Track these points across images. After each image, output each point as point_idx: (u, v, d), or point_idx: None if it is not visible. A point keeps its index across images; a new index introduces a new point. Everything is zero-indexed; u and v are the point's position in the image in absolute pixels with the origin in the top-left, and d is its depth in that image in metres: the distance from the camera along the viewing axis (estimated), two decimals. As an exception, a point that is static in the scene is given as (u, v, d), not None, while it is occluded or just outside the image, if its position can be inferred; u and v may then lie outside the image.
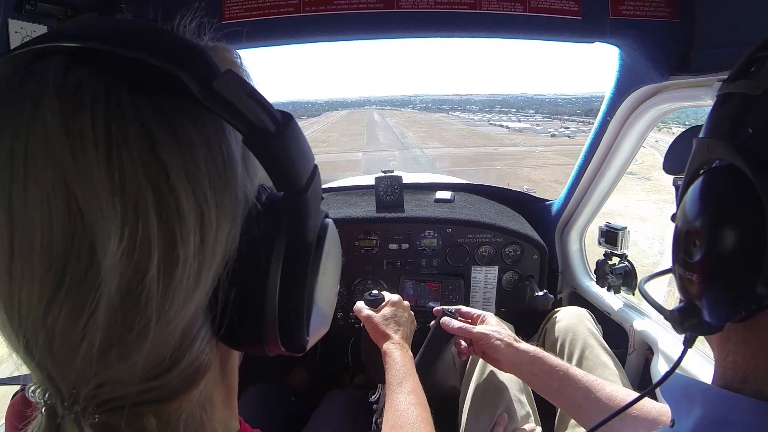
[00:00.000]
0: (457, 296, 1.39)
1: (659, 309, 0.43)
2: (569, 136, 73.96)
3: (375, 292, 1.02)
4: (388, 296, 1.01)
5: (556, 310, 1.22)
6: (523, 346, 0.88)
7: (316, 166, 0.31)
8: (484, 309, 1.42)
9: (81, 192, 0.24)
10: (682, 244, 0.37)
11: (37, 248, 0.24)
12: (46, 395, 0.28)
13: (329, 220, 0.35)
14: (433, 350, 1.03)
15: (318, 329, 0.34)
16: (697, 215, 0.36)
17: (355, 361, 1.60)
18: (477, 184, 1.81)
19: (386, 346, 0.91)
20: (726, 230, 0.33)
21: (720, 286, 0.34)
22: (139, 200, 0.24)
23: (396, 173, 1.49)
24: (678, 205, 0.39)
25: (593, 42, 0.98)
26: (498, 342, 0.89)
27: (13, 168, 0.24)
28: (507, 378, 1.02)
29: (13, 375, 0.73)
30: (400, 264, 1.41)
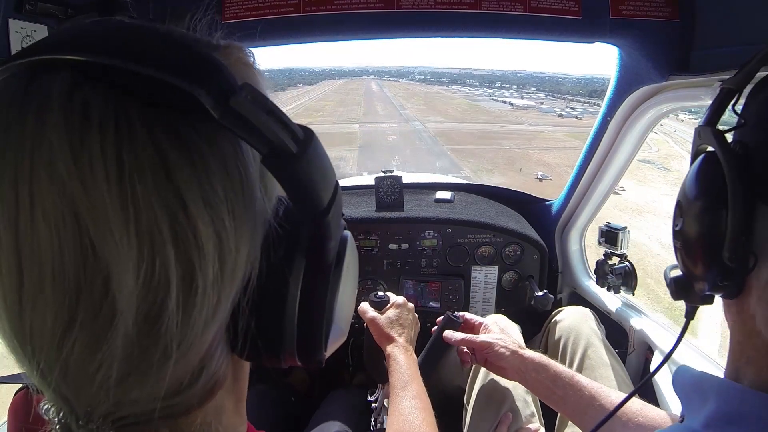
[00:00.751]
0: (457, 296, 1.39)
1: (668, 283, 0.47)
2: (577, 117, 72.03)
3: (380, 293, 1.01)
4: (393, 298, 1.01)
5: (559, 309, 1.22)
6: (528, 353, 0.88)
7: (337, 184, 0.30)
8: (484, 309, 1.43)
9: (92, 224, 0.22)
10: (675, 217, 0.42)
11: (48, 279, 0.23)
12: (61, 414, 0.27)
13: (348, 233, 0.34)
14: (436, 353, 1.03)
15: (335, 343, 0.34)
16: (682, 191, 0.41)
17: (355, 361, 1.60)
18: (477, 184, 1.81)
19: (390, 349, 0.90)
20: (697, 203, 0.38)
21: (695, 254, 0.39)
22: (155, 233, 0.23)
23: (396, 173, 1.49)
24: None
25: (593, 42, 0.98)
26: (503, 350, 0.89)
27: (18, 194, 0.22)
28: None
29: (14, 373, 0.73)
30: (400, 264, 1.41)
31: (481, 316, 1.40)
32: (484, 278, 1.41)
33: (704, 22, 0.88)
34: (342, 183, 1.99)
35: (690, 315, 0.48)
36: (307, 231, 0.29)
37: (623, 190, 20.74)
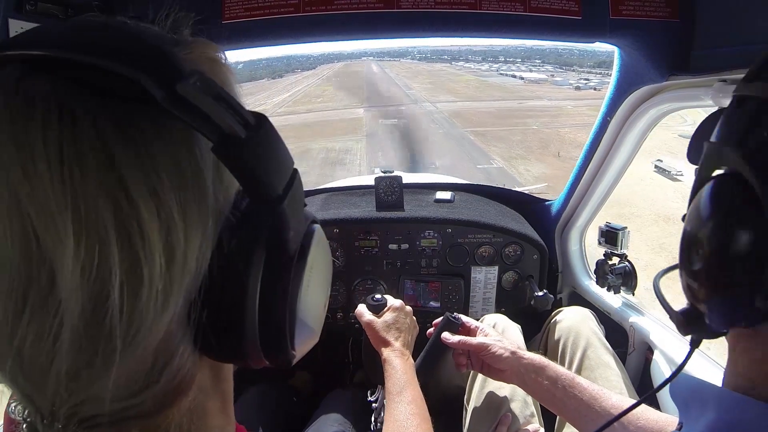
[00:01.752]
0: (457, 296, 1.39)
1: (667, 308, 0.43)
2: (595, 89, 66.65)
3: (378, 296, 1.01)
4: (390, 301, 1.00)
5: (559, 309, 1.22)
6: (527, 355, 0.86)
7: (295, 171, 0.29)
8: (484, 309, 1.43)
9: (35, 214, 0.22)
10: (687, 248, 0.37)
11: None
12: (26, 412, 0.27)
13: (316, 227, 0.32)
14: (435, 355, 1.02)
15: (305, 342, 0.33)
16: (703, 223, 0.35)
17: (355, 359, 1.60)
18: (477, 184, 1.81)
19: (386, 354, 0.90)
20: (728, 242, 0.32)
21: (720, 297, 0.34)
22: (97, 221, 0.23)
23: (396, 173, 1.49)
24: (689, 205, 0.39)
25: (593, 42, 0.98)
26: (501, 351, 0.87)
27: None
28: None
29: None
30: (400, 264, 1.41)
31: (481, 315, 1.41)
32: (484, 278, 1.41)
33: (704, 22, 0.88)
34: (342, 183, 2.00)
35: (697, 344, 0.44)
36: (265, 221, 0.28)
37: (681, 174, 18.67)
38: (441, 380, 1.19)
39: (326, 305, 0.38)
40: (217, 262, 0.27)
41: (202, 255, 0.27)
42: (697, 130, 0.55)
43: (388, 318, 0.96)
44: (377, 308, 0.99)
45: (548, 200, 1.62)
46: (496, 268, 1.40)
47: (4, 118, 0.23)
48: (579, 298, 1.47)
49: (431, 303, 1.40)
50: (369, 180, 1.60)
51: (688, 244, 0.37)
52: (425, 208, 1.47)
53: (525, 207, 1.62)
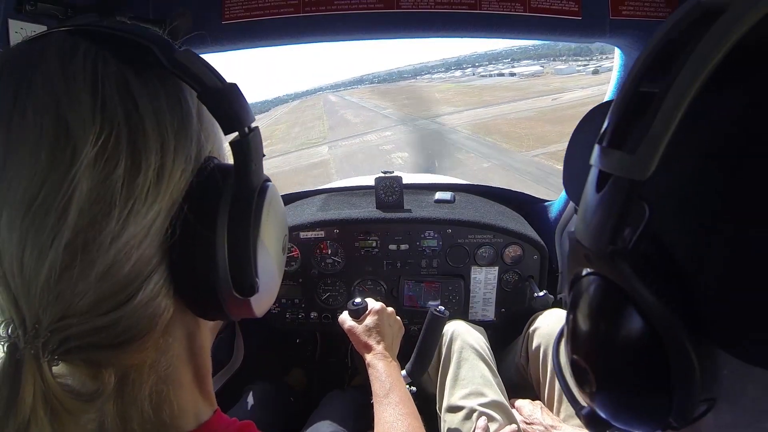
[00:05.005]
0: (457, 297, 1.39)
1: (571, 400, 0.34)
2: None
3: (358, 300, 1.00)
4: (371, 304, 0.99)
5: (536, 315, 1.22)
6: None
7: (257, 128, 0.36)
8: (484, 309, 1.43)
9: (68, 110, 0.29)
10: (573, 366, 0.30)
11: (26, 160, 0.28)
12: (9, 329, 0.29)
13: (272, 184, 0.39)
14: (426, 352, 1.02)
15: (268, 281, 0.38)
16: (584, 340, 0.29)
17: (354, 362, 1.60)
18: (477, 185, 1.81)
19: (369, 358, 0.90)
20: (621, 368, 0.27)
21: (625, 418, 0.28)
22: (114, 118, 0.30)
23: (396, 173, 1.49)
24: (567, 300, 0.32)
25: (593, 42, 0.98)
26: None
27: (17, 95, 0.29)
28: (480, 369, 1.03)
29: None
30: (400, 264, 1.40)
31: (482, 316, 1.41)
32: (484, 279, 1.41)
33: None
34: (342, 183, 2.00)
35: None
36: (235, 148, 0.34)
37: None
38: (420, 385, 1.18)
39: (283, 253, 0.43)
40: (195, 185, 0.34)
41: (184, 175, 0.33)
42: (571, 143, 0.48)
43: (369, 322, 0.96)
44: (358, 313, 0.98)
45: (548, 201, 1.62)
46: (496, 268, 1.40)
47: (55, 52, 0.31)
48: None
49: (431, 303, 1.40)
50: (369, 180, 1.59)
51: (573, 362, 0.30)
52: (425, 208, 1.47)
53: (525, 207, 1.62)
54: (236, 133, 0.34)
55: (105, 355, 0.31)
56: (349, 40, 1.04)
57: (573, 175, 0.54)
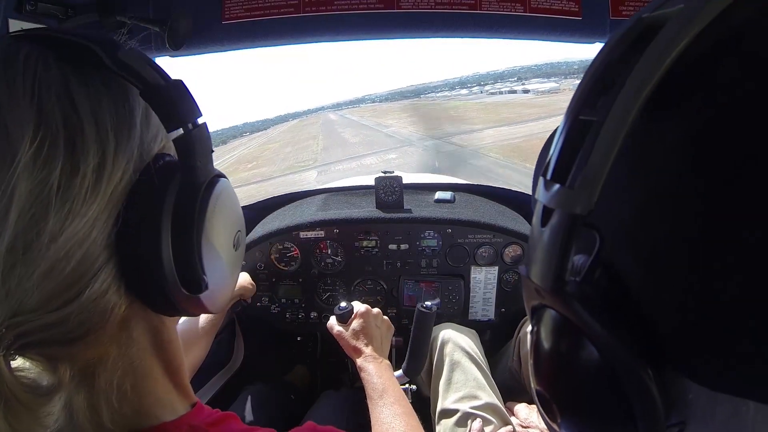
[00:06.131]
0: (457, 297, 1.39)
1: (548, 424, 0.32)
2: None
3: (343, 304, 1.00)
4: (357, 307, 0.99)
5: (526, 318, 1.21)
6: None
7: (205, 124, 0.36)
8: (484, 309, 1.43)
9: (8, 113, 0.29)
10: (538, 396, 0.30)
11: None
12: None
13: (223, 180, 0.39)
14: (419, 350, 1.01)
15: (218, 278, 0.38)
16: (544, 372, 0.29)
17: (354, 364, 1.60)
18: (477, 185, 1.81)
19: (359, 362, 0.90)
20: (582, 400, 0.26)
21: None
22: (51, 120, 0.30)
23: (396, 173, 1.49)
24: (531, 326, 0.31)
25: (593, 42, 0.98)
26: None
27: None
28: (473, 372, 1.02)
29: None
30: (399, 264, 1.41)
31: (482, 316, 1.41)
32: (484, 278, 1.41)
33: None
34: (342, 183, 2.00)
35: None
36: (180, 145, 0.34)
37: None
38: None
39: (236, 249, 0.43)
40: (139, 183, 0.34)
41: (127, 172, 0.33)
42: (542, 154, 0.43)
43: (355, 326, 0.95)
44: (344, 317, 0.98)
45: None
46: (496, 268, 1.40)
47: None
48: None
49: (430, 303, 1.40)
50: (369, 180, 1.59)
51: (538, 394, 0.30)
52: (425, 208, 1.47)
53: (525, 207, 1.62)
54: (180, 130, 0.34)
55: (59, 351, 0.32)
56: (350, 40, 1.04)
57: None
